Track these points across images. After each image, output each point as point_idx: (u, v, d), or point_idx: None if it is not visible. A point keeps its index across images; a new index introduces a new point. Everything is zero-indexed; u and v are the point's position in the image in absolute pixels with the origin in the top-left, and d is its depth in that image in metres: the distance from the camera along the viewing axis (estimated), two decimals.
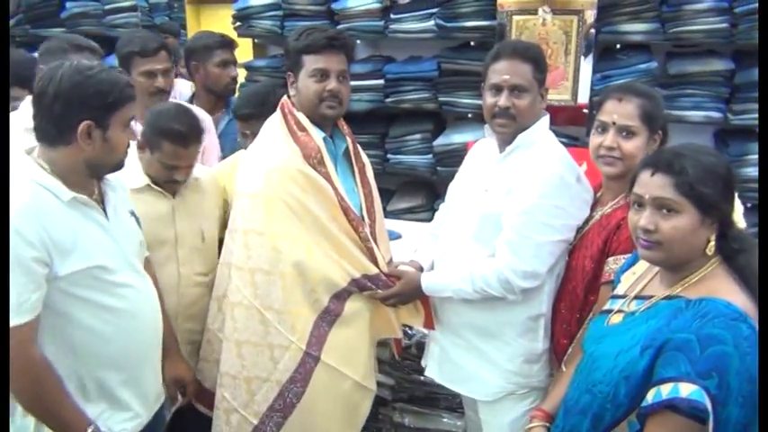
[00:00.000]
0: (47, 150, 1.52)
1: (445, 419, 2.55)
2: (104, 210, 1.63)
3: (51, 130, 1.49)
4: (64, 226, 1.49)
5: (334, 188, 1.90)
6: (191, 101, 2.81)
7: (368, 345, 2.00)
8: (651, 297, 1.40)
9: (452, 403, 2.54)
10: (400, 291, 1.95)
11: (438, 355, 2.03)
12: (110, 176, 1.68)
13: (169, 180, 1.97)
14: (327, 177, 1.90)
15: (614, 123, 1.73)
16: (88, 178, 1.60)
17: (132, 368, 1.64)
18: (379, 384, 2.20)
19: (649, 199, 1.34)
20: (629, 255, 1.63)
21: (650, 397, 1.25)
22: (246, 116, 2.18)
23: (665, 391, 1.22)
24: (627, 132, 1.72)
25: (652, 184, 1.34)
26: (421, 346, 2.28)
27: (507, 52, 1.86)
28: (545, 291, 1.84)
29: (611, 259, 1.71)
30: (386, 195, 3.30)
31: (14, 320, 1.41)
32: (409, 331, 2.40)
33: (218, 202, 2.17)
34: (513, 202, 1.79)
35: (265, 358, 1.87)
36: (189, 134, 1.92)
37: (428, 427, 2.58)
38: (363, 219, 2.00)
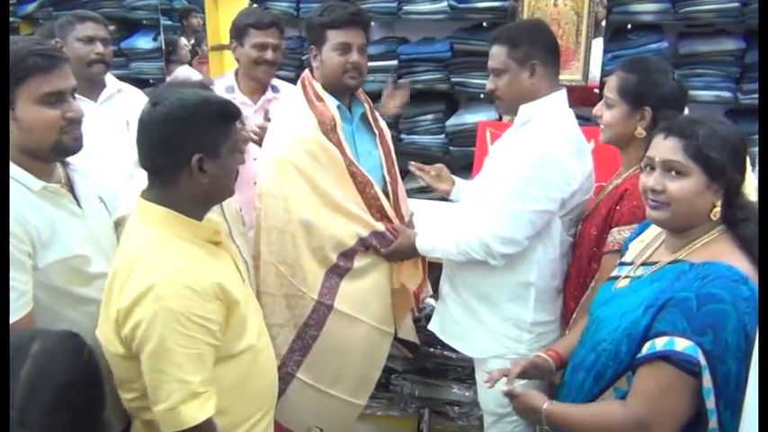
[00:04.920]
0: None
1: (454, 390, 2.63)
2: (75, 197, 1.57)
3: None
4: (39, 217, 1.44)
5: (343, 153, 2.04)
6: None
7: (385, 293, 2.15)
8: (657, 263, 1.46)
9: (461, 374, 2.61)
10: (397, 247, 2.09)
11: (441, 312, 2.13)
12: (74, 161, 1.60)
13: None
14: (338, 143, 2.04)
15: (604, 97, 1.82)
16: (43, 162, 1.50)
17: None
18: (390, 356, 2.29)
19: (659, 161, 1.40)
20: (632, 225, 1.69)
21: (645, 349, 1.32)
22: None
23: (660, 343, 1.29)
24: (607, 104, 1.81)
25: (663, 147, 1.40)
26: (430, 319, 2.35)
27: (491, 39, 1.97)
28: (533, 260, 1.90)
29: (615, 230, 1.76)
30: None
31: (20, 313, 1.38)
32: (420, 305, 2.48)
33: None
34: (502, 171, 1.87)
35: (281, 307, 2.05)
36: None
37: (438, 398, 2.66)
38: (384, 178, 2.17)
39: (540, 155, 1.83)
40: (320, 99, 2.07)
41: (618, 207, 1.77)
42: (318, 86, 2.08)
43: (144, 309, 1.32)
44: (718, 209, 1.38)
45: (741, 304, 1.26)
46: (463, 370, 2.59)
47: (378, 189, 2.10)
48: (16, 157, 1.45)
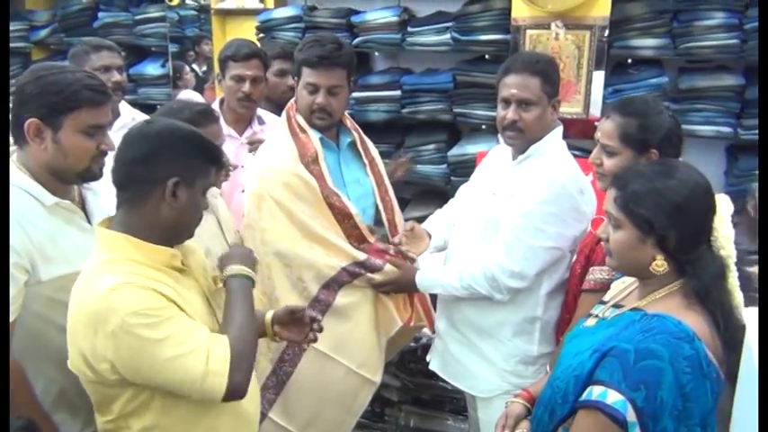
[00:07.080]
0: (18, 151, 1.54)
1: (450, 422, 2.61)
2: (87, 215, 1.63)
3: (11, 127, 1.51)
4: (46, 231, 1.50)
5: (323, 185, 2.02)
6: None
7: (370, 337, 2.09)
8: (623, 307, 1.46)
9: (457, 406, 2.60)
10: (395, 279, 2.05)
11: (441, 350, 2.10)
12: (92, 184, 1.65)
13: None
14: (319, 175, 2.03)
15: (598, 140, 1.77)
16: (63, 183, 1.57)
17: None
18: (386, 386, 2.28)
19: (605, 209, 1.42)
20: (605, 267, 1.69)
21: (585, 393, 1.32)
22: None
23: (596, 392, 1.28)
24: (607, 151, 1.73)
25: (607, 197, 1.42)
26: (427, 349, 2.34)
27: (516, 66, 1.91)
28: (540, 294, 1.89)
29: (592, 269, 1.76)
30: (401, 204, 3.32)
31: None
32: (416, 334, 2.47)
33: None
34: (514, 205, 1.86)
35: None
36: None
37: (433, 429, 2.64)
38: (377, 205, 2.15)
39: (553, 191, 1.82)
40: (303, 131, 2.07)
41: (598, 246, 1.76)
42: (301, 119, 2.08)
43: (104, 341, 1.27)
44: (659, 262, 1.35)
45: (680, 363, 1.25)
46: (459, 401, 2.57)
47: (358, 219, 2.06)
48: (37, 173, 1.53)
